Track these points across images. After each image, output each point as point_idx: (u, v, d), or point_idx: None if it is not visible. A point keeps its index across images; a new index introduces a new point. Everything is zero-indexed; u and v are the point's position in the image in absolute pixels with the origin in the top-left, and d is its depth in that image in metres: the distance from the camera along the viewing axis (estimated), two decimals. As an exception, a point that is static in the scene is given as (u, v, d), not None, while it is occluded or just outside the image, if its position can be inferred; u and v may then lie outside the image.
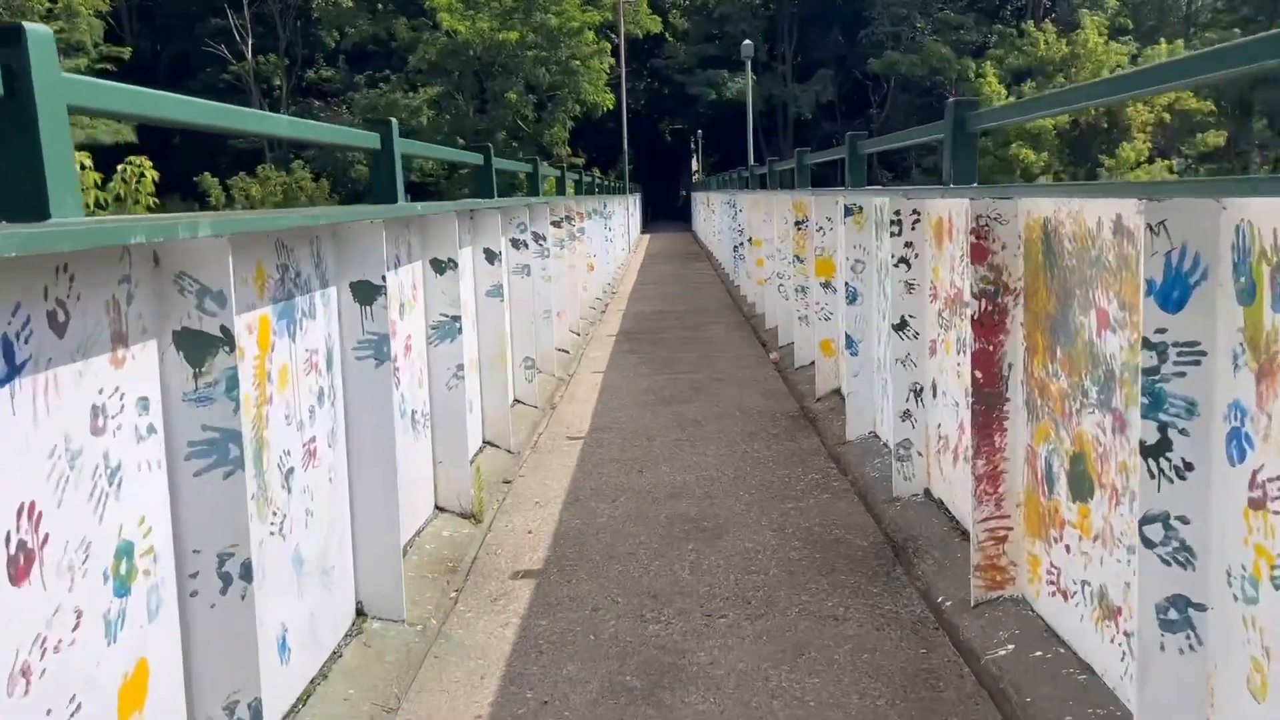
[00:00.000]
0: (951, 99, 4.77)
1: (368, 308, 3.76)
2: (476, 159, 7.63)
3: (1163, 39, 38.62)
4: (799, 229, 8.93)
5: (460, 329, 5.16)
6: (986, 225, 3.68)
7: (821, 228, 7.61)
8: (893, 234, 5.06)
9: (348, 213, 3.94)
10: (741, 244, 15.40)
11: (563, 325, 10.44)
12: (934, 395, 4.93)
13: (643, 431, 7.07)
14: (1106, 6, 41.48)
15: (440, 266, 5.09)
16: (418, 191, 43.87)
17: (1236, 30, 38.56)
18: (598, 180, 25.46)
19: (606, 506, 5.36)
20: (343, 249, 3.74)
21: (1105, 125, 37.17)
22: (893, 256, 5.08)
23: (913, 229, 5.03)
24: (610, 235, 19.18)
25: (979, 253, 3.69)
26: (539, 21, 34.35)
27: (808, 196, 8.78)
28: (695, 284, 18.15)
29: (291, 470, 3.24)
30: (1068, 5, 44.32)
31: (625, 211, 25.73)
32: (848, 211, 6.47)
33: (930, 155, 40.93)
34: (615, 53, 34.65)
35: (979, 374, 3.75)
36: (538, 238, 8.91)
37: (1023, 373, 3.71)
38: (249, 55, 48.12)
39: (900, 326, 5.07)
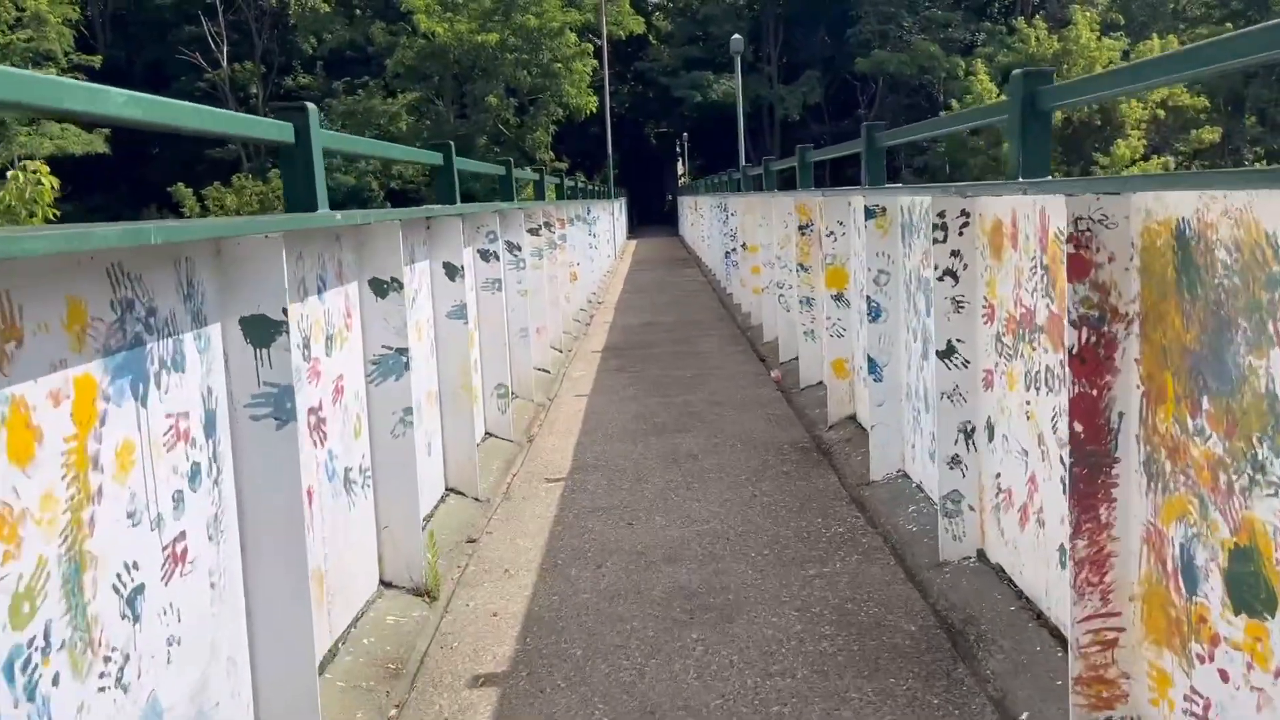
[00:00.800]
0: (1020, 70, 3.85)
1: (264, 350, 2.82)
2: (434, 158, 6.67)
3: (1155, 34, 37.96)
4: (803, 234, 8.02)
5: (408, 363, 4.22)
6: (1089, 230, 2.77)
7: (832, 233, 6.70)
8: (936, 241, 4.14)
9: (231, 226, 3.00)
10: (734, 250, 14.51)
11: (543, 342, 9.51)
12: (990, 439, 4.01)
13: (632, 470, 6.14)
14: (1097, 3, 40.80)
15: (381, 288, 4.16)
16: (399, 199, 42.88)
17: (1228, 25, 37.95)
18: (581, 185, 24.54)
19: (589, 575, 4.42)
20: (228, 274, 2.79)
21: (1099, 123, 36.48)
22: (935, 268, 4.16)
23: (960, 234, 4.12)
24: (595, 242, 18.27)
25: (1079, 266, 2.78)
26: (519, 23, 33.37)
27: (814, 198, 7.87)
28: (685, 292, 17.25)
29: (140, 589, 2.30)
30: (1057, 2, 43.63)
31: (610, 217, 24.82)
32: (869, 214, 5.55)
33: (920, 155, 40.15)
34: (598, 55, 33.65)
35: (1079, 426, 2.83)
36: (512, 247, 7.99)
37: (1139, 425, 2.79)
38: (224, 63, 47.06)
39: (947, 353, 4.15)
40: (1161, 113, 36.03)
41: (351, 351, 3.99)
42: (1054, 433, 3.37)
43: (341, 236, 3.95)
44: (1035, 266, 3.48)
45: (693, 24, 47.92)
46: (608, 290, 18.17)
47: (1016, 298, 3.68)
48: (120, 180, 48.76)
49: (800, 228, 8.01)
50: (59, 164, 42.79)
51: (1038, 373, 3.50)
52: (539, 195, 15.54)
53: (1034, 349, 3.52)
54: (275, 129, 3.46)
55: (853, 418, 6.64)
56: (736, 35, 25.54)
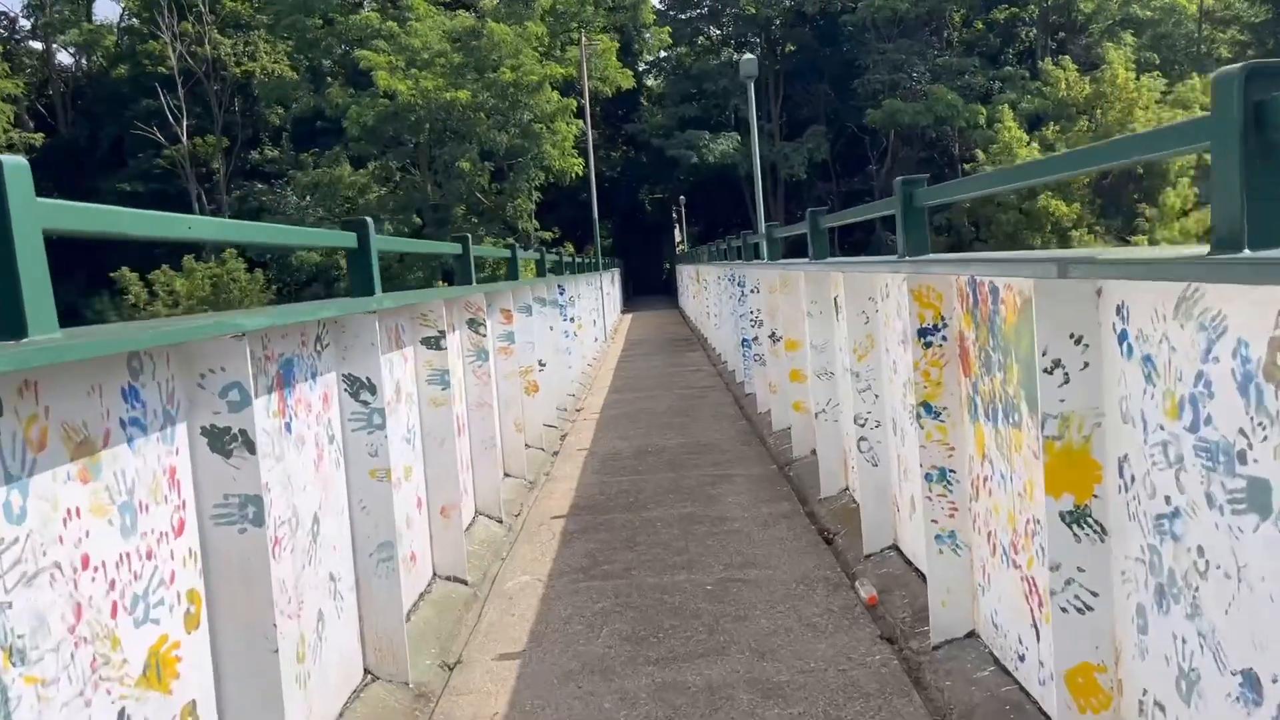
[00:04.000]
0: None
1: None
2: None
3: (1195, 74, 34.62)
4: (926, 344, 4.11)
5: None
6: None
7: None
8: None
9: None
10: (757, 338, 10.62)
11: (452, 529, 5.53)
12: None
13: None
14: (1123, 42, 37.55)
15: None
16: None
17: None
18: (569, 257, 20.75)
19: None
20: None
21: (1139, 171, 32.93)
22: None
23: None
24: (573, 328, 14.40)
25: None
26: (492, 79, 29.85)
27: (948, 275, 3.99)
28: (690, 391, 13.31)
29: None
30: (1078, 44, 40.46)
31: (597, 293, 20.99)
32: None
33: (940, 211, 36.53)
34: (582, 113, 30.03)
35: None
36: (363, 386, 4.10)
37: None
38: (184, 138, 43.78)
39: None
40: (1208, 158, 32.44)
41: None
42: None
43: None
44: None
45: (685, 80, 44.76)
46: (590, 390, 14.24)
47: None
48: (76, 268, 45.35)
49: (923, 333, 4.10)
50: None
51: None
52: (511, 274, 11.81)
53: None
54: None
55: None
56: (748, 55, 21.71)
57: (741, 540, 6.08)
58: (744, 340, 11.84)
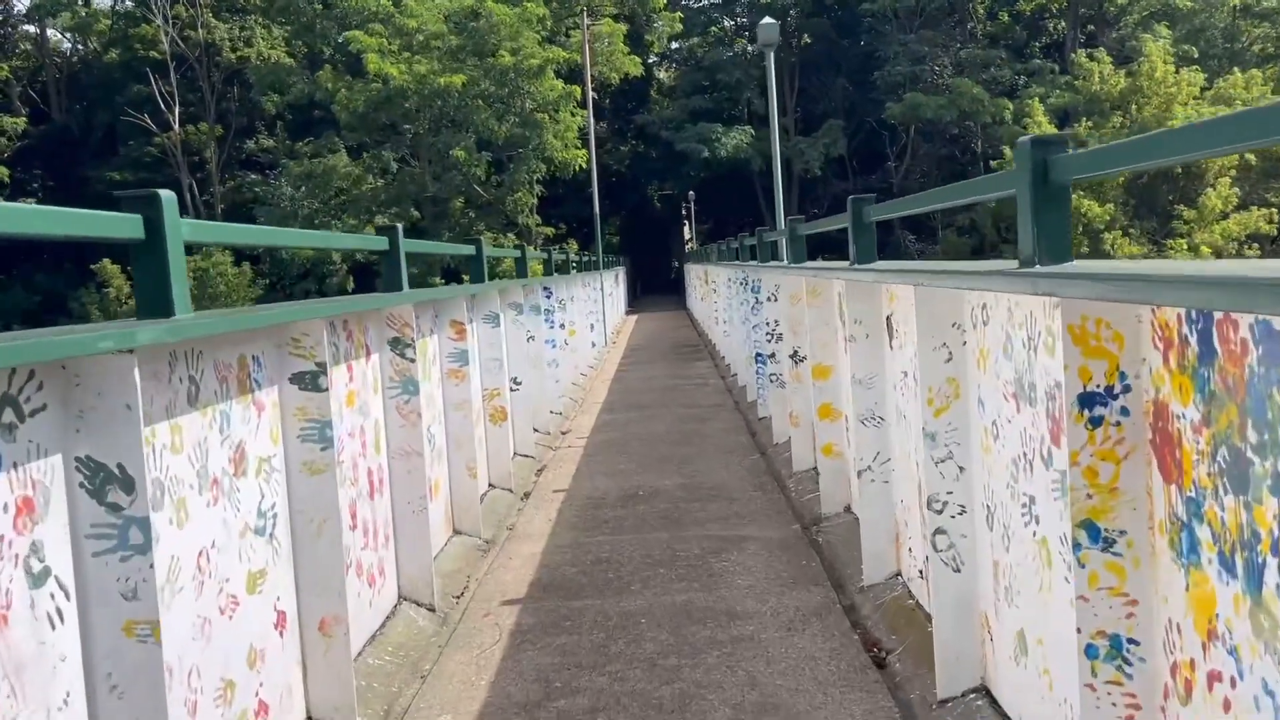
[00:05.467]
0: None
1: None
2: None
3: (1236, 68, 32.73)
4: (1094, 418, 2.35)
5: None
6: None
7: None
8: None
9: None
10: (774, 355, 8.89)
11: (334, 655, 3.79)
12: None
13: None
14: (1161, 35, 35.60)
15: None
16: (364, 273, 37.61)
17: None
18: (569, 256, 18.97)
19: None
20: None
21: (1177, 171, 31.05)
22: None
23: None
24: (563, 336, 12.69)
25: None
26: (491, 63, 28.00)
27: (1145, 306, 2.19)
28: (694, 410, 11.56)
29: None
30: (1109, 37, 38.52)
31: (597, 294, 19.26)
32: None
33: (965, 212, 34.69)
34: (586, 101, 28.20)
35: None
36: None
37: None
38: (176, 125, 42.10)
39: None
40: (1253, 158, 30.57)
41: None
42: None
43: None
44: None
45: (697, 72, 42.89)
46: (582, 406, 12.51)
47: None
48: (63, 259, 43.76)
49: (1089, 401, 2.34)
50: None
51: None
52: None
53: None
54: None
55: None
56: (768, 20, 19.73)
57: (757, 657, 4.33)
58: (758, 355, 10.09)
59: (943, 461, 3.66)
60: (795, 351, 7.60)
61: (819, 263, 8.31)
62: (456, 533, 6.29)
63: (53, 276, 43.83)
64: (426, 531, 5.04)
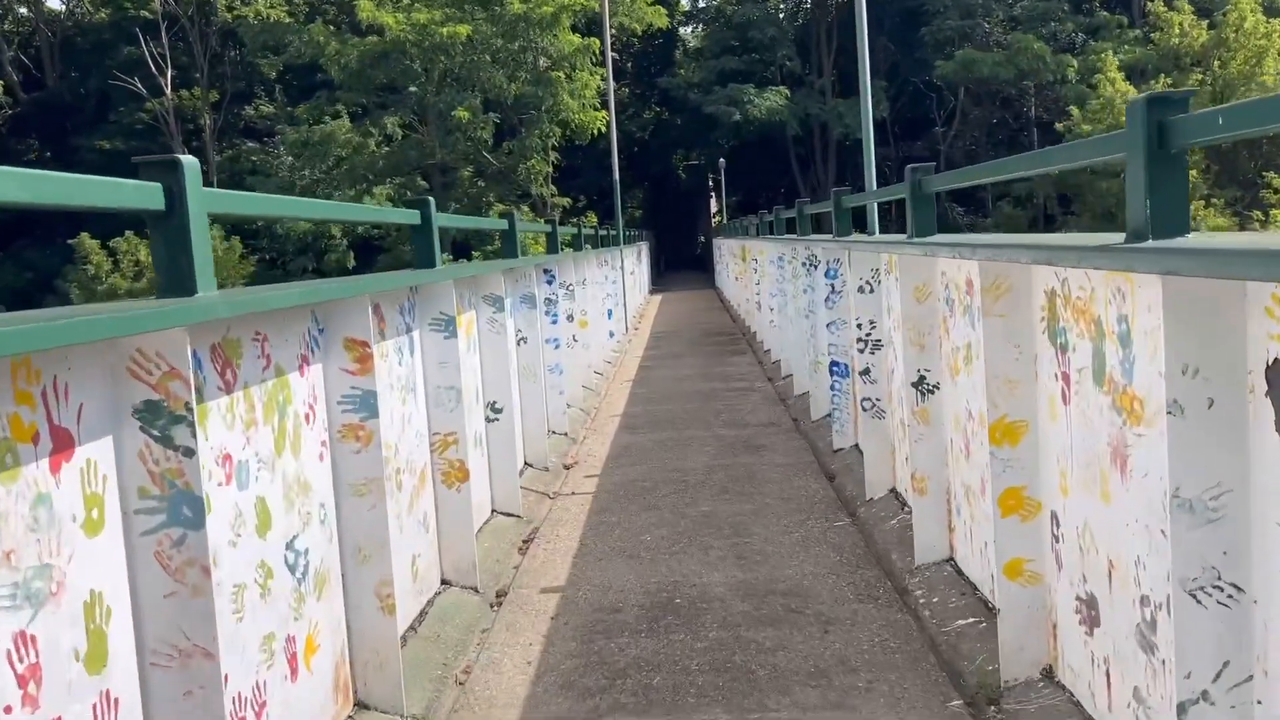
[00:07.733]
0: None
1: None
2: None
3: (1332, 18, 29.29)
4: None
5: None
6: None
7: None
8: None
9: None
10: (868, 371, 6.07)
11: None
12: None
13: None
14: (1241, -17, 32.12)
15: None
16: (366, 248, 34.92)
17: None
18: (581, 229, 16.08)
19: None
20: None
21: (1263, 137, 27.81)
22: None
23: None
24: (570, 331, 9.94)
25: None
26: (499, 13, 24.97)
27: None
28: (741, 435, 8.75)
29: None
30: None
31: (616, 275, 16.44)
32: None
33: (1022, 181, 31.55)
34: (605, 56, 25.17)
35: None
36: None
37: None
38: (168, 89, 39.38)
39: None
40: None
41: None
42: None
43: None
44: None
45: (728, 31, 39.71)
46: (593, 423, 9.73)
47: None
48: (56, 234, 41.31)
49: None
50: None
51: None
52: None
53: None
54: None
55: None
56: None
57: None
58: (834, 365, 7.26)
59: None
60: (922, 378, 4.79)
61: (955, 236, 5.50)
62: (362, 707, 3.55)
63: (42, 252, 41.44)
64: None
